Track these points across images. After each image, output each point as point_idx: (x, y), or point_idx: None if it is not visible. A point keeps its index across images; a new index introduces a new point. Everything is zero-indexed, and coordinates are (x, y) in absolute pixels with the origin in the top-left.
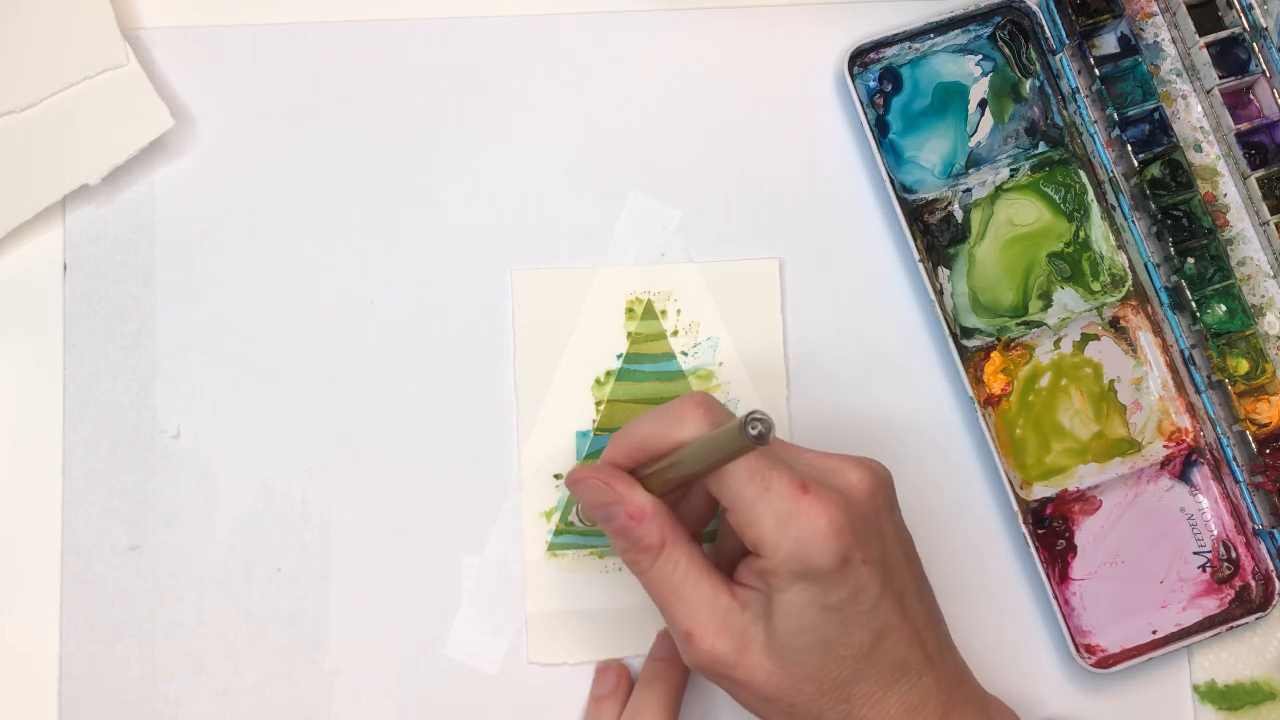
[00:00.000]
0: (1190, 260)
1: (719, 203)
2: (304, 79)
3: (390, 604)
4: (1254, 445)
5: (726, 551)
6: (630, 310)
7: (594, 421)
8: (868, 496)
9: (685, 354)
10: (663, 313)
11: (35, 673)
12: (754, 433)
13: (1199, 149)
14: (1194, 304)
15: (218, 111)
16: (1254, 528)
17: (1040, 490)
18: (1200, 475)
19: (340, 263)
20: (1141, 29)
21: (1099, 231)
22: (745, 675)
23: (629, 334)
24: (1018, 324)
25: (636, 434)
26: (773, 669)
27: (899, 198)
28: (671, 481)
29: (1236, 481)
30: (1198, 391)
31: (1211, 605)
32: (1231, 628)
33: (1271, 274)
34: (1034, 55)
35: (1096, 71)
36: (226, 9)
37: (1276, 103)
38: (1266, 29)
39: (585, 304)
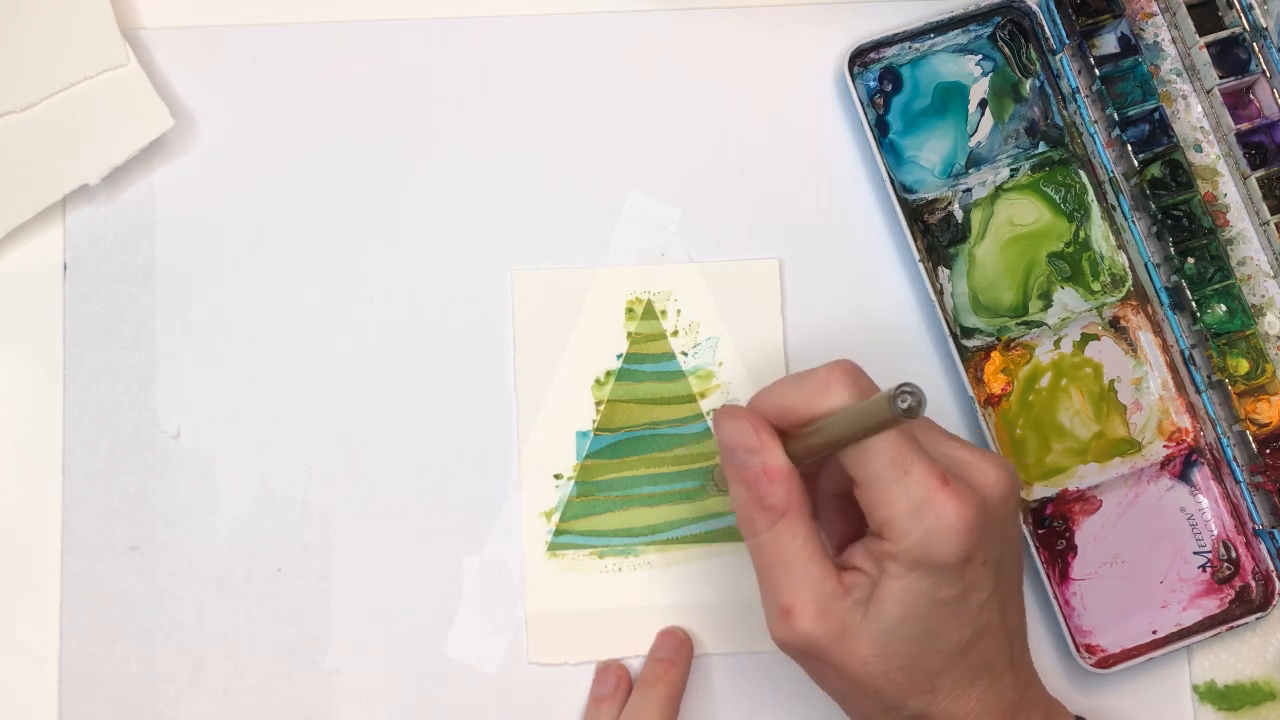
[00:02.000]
0: (1190, 260)
1: (719, 203)
2: (304, 79)
3: (390, 604)
4: (1254, 445)
5: (832, 533)
6: (630, 310)
7: (594, 421)
8: (1001, 499)
9: (685, 354)
10: (663, 313)
11: (35, 673)
12: (904, 406)
13: (1199, 149)
14: (1194, 304)
15: (218, 111)
16: (1254, 528)
17: (1040, 490)
18: (1200, 475)
19: (340, 263)
20: (1141, 29)
21: (1099, 231)
22: (838, 660)
23: (629, 334)
24: (1018, 324)
25: (779, 400)
26: (868, 655)
27: (899, 198)
28: (811, 449)
29: (1236, 481)
30: (1198, 391)
31: (1211, 605)
32: (1231, 628)
33: (1271, 274)
34: (1034, 55)
35: (1096, 71)
36: (226, 9)
37: (1276, 103)
38: (1266, 29)
39: (585, 304)
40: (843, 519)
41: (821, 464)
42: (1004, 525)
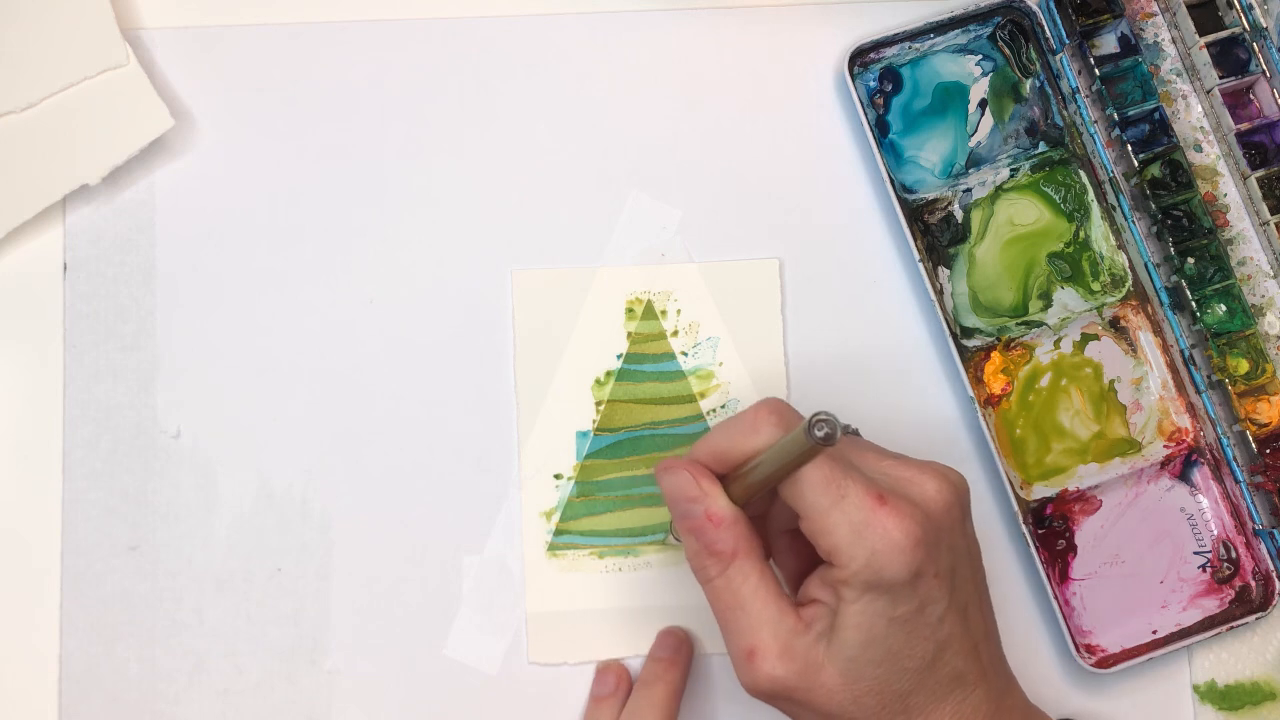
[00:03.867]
0: (1190, 260)
1: (719, 203)
2: (304, 79)
3: (390, 604)
4: (1254, 445)
5: (787, 570)
6: (630, 310)
7: (594, 421)
8: (944, 510)
9: (685, 354)
10: (663, 313)
11: (35, 673)
12: (820, 434)
13: (1199, 149)
14: (1194, 304)
15: (218, 111)
16: (1254, 528)
17: (1040, 490)
18: (1200, 475)
19: (340, 263)
20: (1141, 29)
21: (1099, 231)
22: (806, 696)
23: (629, 334)
24: (1018, 324)
25: (714, 445)
26: (836, 686)
27: (899, 198)
28: (751, 488)
29: (1236, 481)
30: (1198, 391)
31: (1211, 605)
32: (1231, 628)
33: (1271, 274)
34: (1034, 55)
35: (1096, 71)
36: (226, 9)
37: (1276, 103)
38: (1266, 29)
39: (585, 304)
40: (796, 555)
41: (769, 503)
42: (951, 535)
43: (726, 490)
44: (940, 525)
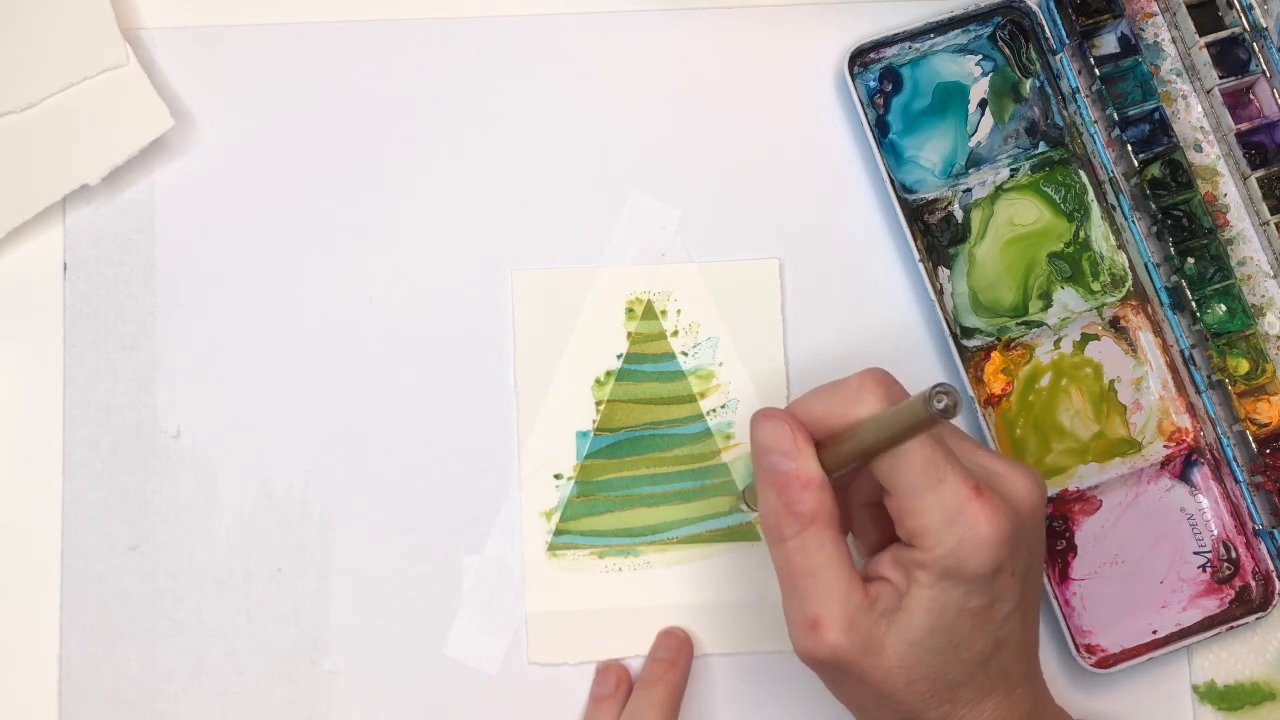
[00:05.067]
0: (1190, 260)
1: (719, 203)
2: (304, 79)
3: (390, 604)
4: (1254, 445)
5: (865, 544)
6: (630, 310)
7: (594, 421)
8: (1031, 510)
9: (685, 354)
10: (663, 313)
11: (35, 673)
12: (940, 406)
13: (1199, 149)
14: (1194, 304)
15: (218, 111)
16: (1254, 528)
17: None
18: (1200, 475)
19: (340, 263)
20: (1141, 29)
21: (1099, 231)
22: (862, 672)
23: (629, 334)
24: (1018, 324)
25: (810, 409)
26: (893, 667)
27: (899, 198)
28: (844, 458)
29: (1236, 481)
30: (1198, 391)
31: (1211, 605)
32: (1231, 628)
33: (1271, 274)
34: (1034, 55)
35: (1096, 71)
36: (226, 9)
37: (1276, 103)
38: (1266, 29)
39: (585, 304)
40: (875, 529)
41: (851, 478)
42: (1032, 537)
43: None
44: (1025, 525)
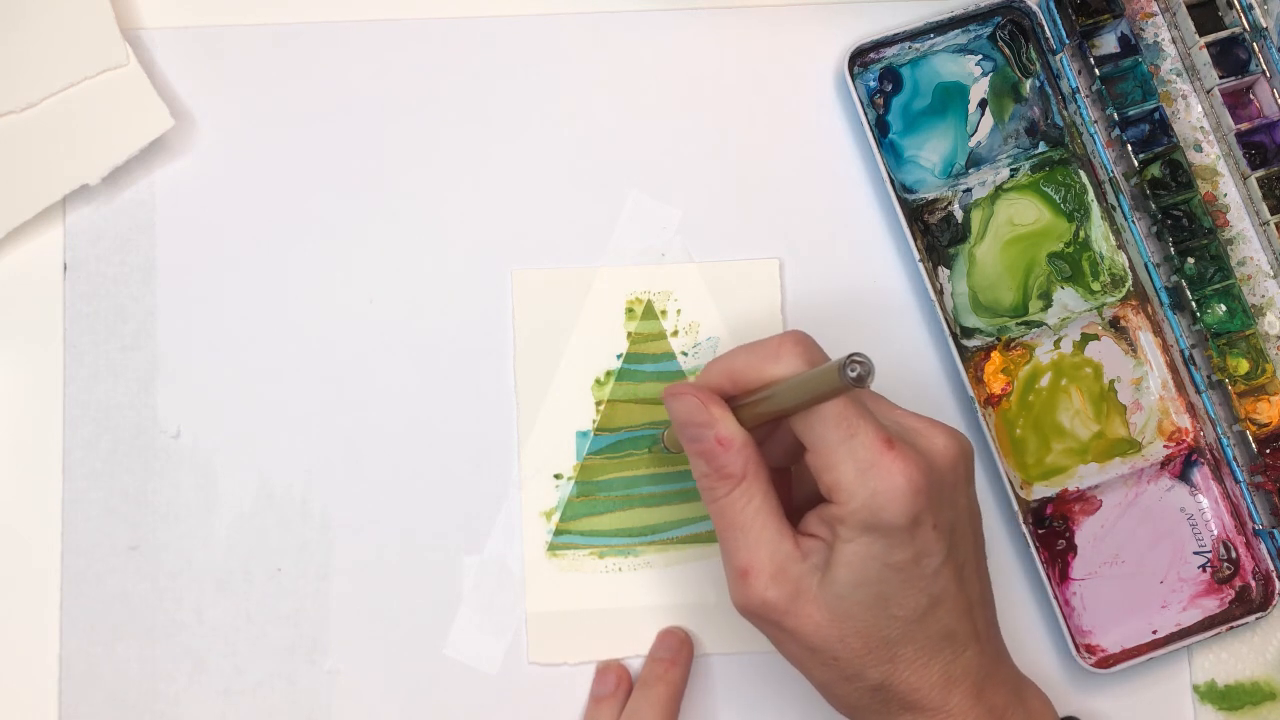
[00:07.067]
0: (1190, 260)
1: (719, 203)
2: (304, 79)
3: (390, 604)
4: (1254, 445)
5: (795, 501)
6: (630, 310)
7: (594, 421)
8: (950, 464)
9: (685, 354)
10: (663, 313)
11: (35, 673)
12: (853, 375)
13: (1199, 149)
14: (1194, 304)
15: (218, 111)
16: (1254, 528)
17: (1040, 490)
18: (1200, 475)
19: (340, 263)
20: (1141, 29)
21: (1099, 231)
22: (794, 623)
23: (629, 334)
24: (1018, 324)
25: (730, 365)
26: (823, 620)
27: (899, 198)
28: (761, 416)
29: (1236, 481)
30: (1198, 391)
31: (1211, 605)
32: (1231, 628)
33: (1271, 274)
34: (1034, 55)
35: (1096, 71)
36: (226, 9)
37: (1276, 103)
38: (1266, 29)
39: (585, 304)
40: (783, 492)
41: (764, 439)
42: (954, 492)
43: (735, 414)
44: (944, 479)
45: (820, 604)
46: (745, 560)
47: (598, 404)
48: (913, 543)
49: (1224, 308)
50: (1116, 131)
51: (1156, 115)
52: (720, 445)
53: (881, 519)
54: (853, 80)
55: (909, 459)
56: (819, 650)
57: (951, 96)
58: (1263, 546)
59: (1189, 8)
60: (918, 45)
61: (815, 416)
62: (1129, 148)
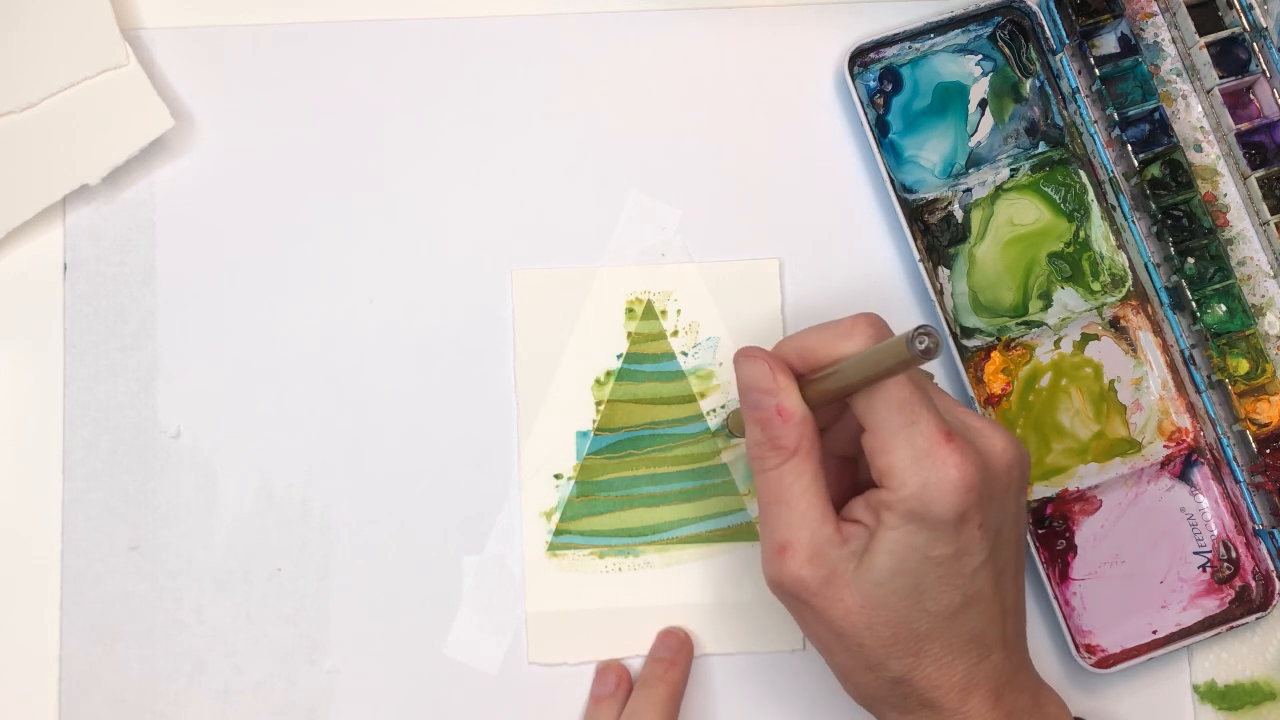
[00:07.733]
0: (1190, 260)
1: (719, 203)
2: (304, 79)
3: (390, 604)
4: (1254, 445)
5: (833, 495)
6: (630, 310)
7: (594, 421)
8: (1005, 468)
9: (685, 354)
10: (663, 313)
11: (35, 673)
12: (921, 347)
13: (1199, 149)
14: (1194, 304)
15: (218, 111)
16: (1254, 528)
17: (1040, 490)
18: (1200, 475)
19: (340, 262)
20: (1141, 29)
21: (1099, 231)
22: (823, 605)
23: (629, 334)
24: (1018, 324)
25: (802, 342)
26: (854, 606)
27: (899, 198)
28: (827, 394)
29: (1236, 481)
30: (1198, 391)
31: (1211, 605)
32: (1231, 628)
33: (1271, 274)
34: (1034, 55)
35: (1096, 71)
36: (226, 9)
37: (1276, 103)
38: (1266, 29)
39: (585, 304)
40: (842, 482)
41: (831, 422)
42: (1005, 496)
43: (801, 390)
44: (998, 481)
45: (854, 589)
46: (785, 536)
47: (598, 404)
48: (956, 539)
49: (1224, 308)
50: (1116, 131)
51: (1156, 115)
52: (779, 415)
53: (930, 510)
54: (853, 80)
55: (965, 454)
56: (845, 635)
57: (951, 96)
58: (1263, 546)
59: (1189, 8)
60: (918, 45)
61: (878, 399)
62: (1129, 148)
